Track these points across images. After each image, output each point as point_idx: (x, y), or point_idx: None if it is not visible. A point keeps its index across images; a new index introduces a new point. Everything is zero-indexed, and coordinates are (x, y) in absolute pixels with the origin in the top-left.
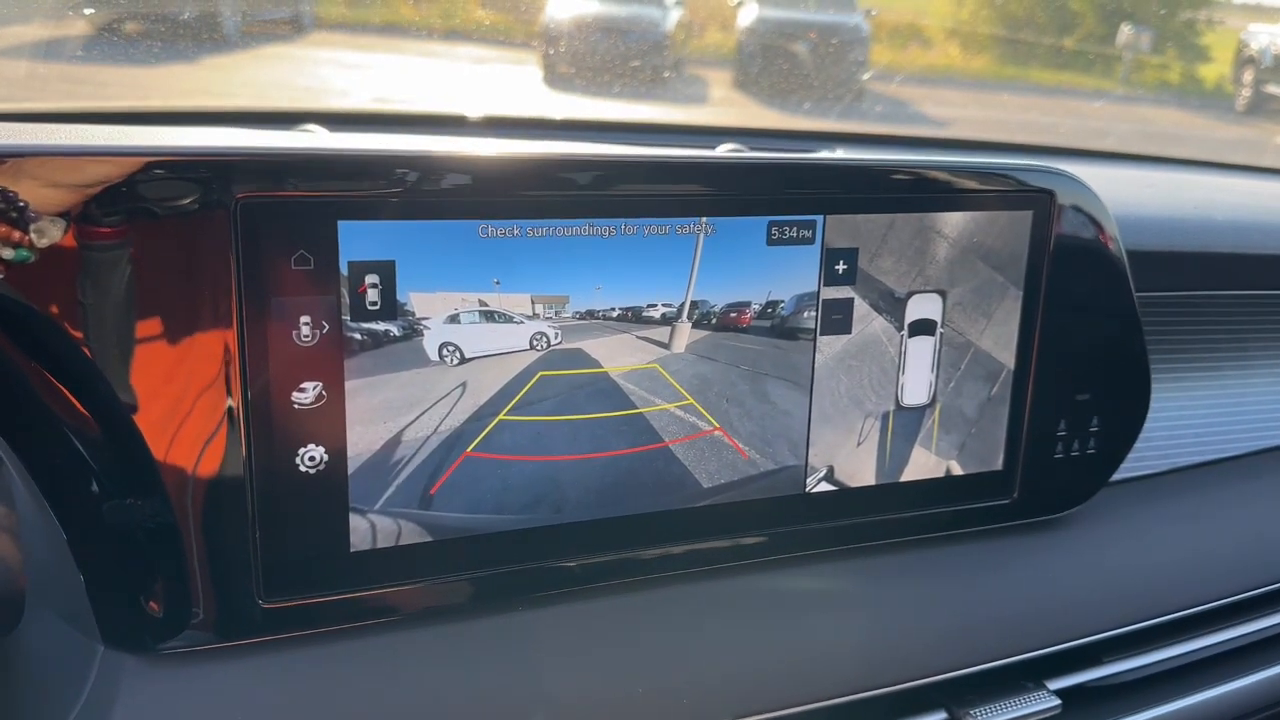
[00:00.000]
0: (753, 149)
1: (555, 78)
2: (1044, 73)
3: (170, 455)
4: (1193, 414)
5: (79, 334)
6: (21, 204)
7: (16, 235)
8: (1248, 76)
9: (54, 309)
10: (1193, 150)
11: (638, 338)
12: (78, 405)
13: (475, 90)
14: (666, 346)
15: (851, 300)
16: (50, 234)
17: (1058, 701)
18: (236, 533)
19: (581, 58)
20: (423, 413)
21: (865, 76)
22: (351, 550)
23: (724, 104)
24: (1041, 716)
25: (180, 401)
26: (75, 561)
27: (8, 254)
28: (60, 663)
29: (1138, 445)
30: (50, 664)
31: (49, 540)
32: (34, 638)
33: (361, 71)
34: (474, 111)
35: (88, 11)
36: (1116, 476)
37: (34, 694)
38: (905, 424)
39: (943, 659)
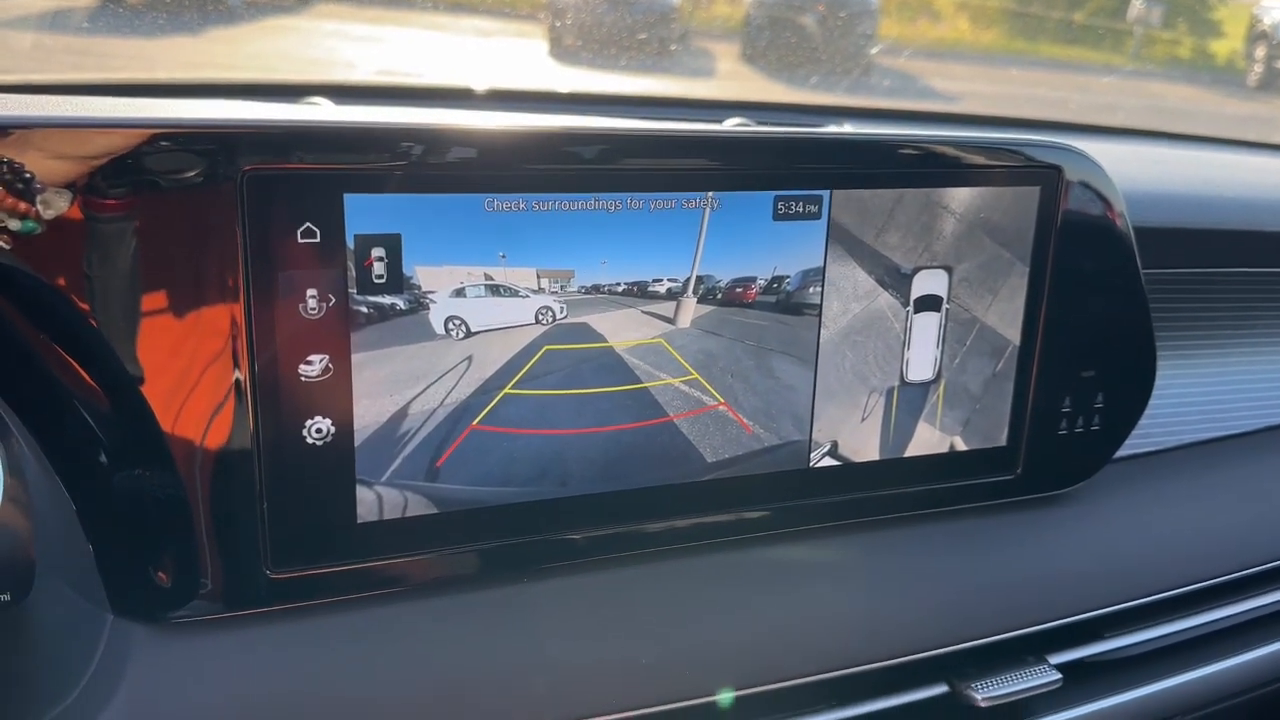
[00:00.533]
0: (759, 123)
1: (561, 50)
2: (1053, 47)
3: (178, 427)
4: (1198, 391)
5: (86, 305)
6: (27, 175)
7: (22, 207)
8: (1260, 52)
9: (61, 280)
10: (1203, 126)
11: (643, 312)
12: (85, 377)
13: (481, 63)
14: (672, 321)
15: (857, 275)
16: (56, 205)
17: (1058, 675)
18: (244, 504)
19: (588, 30)
20: (429, 386)
21: (873, 50)
22: (358, 522)
23: (731, 77)
24: (1042, 690)
25: (187, 374)
26: (84, 532)
27: (14, 225)
28: (70, 632)
29: (1142, 422)
30: (60, 634)
31: (58, 511)
32: (44, 608)
33: (367, 44)
34: (480, 84)
35: None
36: (1121, 453)
37: (44, 663)
38: (910, 399)
39: (945, 632)
